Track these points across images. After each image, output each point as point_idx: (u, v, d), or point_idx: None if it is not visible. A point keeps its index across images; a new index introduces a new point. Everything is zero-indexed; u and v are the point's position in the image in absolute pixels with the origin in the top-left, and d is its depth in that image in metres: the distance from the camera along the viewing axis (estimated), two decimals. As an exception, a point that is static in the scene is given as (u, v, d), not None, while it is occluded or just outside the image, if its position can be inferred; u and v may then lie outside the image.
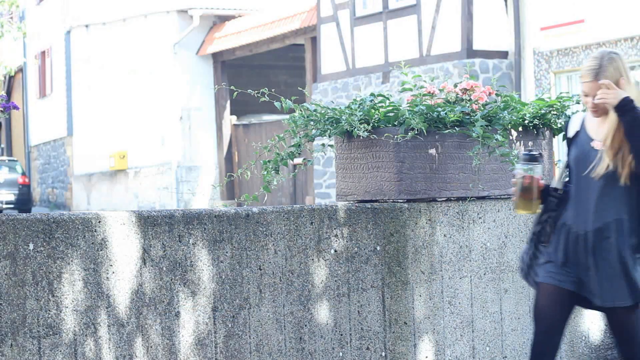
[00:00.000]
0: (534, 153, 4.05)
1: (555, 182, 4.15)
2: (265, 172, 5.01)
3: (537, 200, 4.06)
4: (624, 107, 3.87)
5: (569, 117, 4.27)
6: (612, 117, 3.92)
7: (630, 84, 3.98)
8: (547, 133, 5.25)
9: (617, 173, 3.94)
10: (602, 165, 3.95)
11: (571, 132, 4.17)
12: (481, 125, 4.83)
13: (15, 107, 4.04)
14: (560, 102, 5.20)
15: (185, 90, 22.64)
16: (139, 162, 23.77)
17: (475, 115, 4.94)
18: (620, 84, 3.93)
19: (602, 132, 4.01)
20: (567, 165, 4.14)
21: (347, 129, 4.83)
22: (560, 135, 5.36)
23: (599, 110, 3.98)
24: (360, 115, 4.82)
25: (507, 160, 4.86)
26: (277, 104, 5.03)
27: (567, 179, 4.15)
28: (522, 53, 15.71)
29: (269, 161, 5.03)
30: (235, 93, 5.31)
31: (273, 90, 5.06)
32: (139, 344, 3.99)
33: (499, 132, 4.90)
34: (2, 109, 4.00)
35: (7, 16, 24.31)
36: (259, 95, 5.08)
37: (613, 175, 3.96)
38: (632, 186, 3.97)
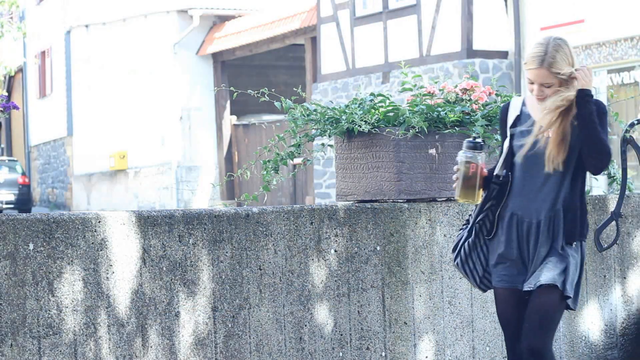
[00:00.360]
0: (478, 141, 3.92)
1: (497, 169, 3.99)
2: (265, 172, 5.02)
3: (480, 189, 3.93)
4: (585, 97, 3.81)
5: (507, 102, 4.11)
6: (549, 106, 3.84)
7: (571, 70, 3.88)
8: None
9: (561, 159, 3.85)
10: (548, 152, 3.84)
11: (511, 118, 4.02)
12: (482, 125, 4.83)
13: (15, 107, 4.04)
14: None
15: (185, 90, 22.64)
16: (139, 162, 23.77)
17: (475, 115, 4.95)
18: (562, 76, 3.84)
19: (542, 117, 3.92)
20: (506, 152, 3.99)
21: (347, 127, 4.83)
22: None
23: (546, 98, 3.87)
24: (361, 115, 4.82)
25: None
26: (277, 103, 5.03)
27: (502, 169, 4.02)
28: (522, 53, 15.71)
29: (268, 161, 5.03)
30: (235, 94, 5.31)
31: (273, 90, 5.06)
32: (139, 344, 3.99)
33: (499, 132, 4.90)
34: (2, 109, 4.01)
35: (7, 16, 24.31)
36: (258, 95, 5.08)
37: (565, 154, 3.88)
38: (575, 172, 3.89)
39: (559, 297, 3.86)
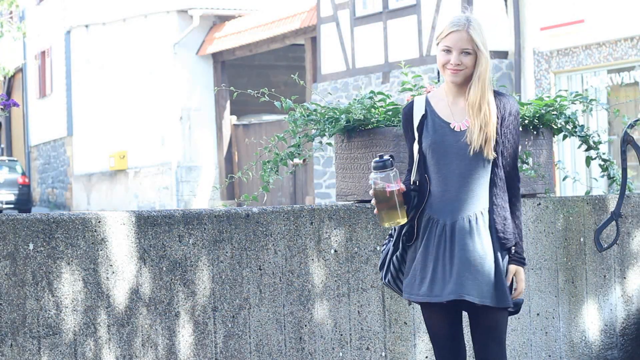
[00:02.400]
0: (386, 158, 3.65)
1: (412, 176, 3.77)
2: (264, 172, 5.02)
3: (402, 207, 3.66)
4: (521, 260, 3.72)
5: (409, 103, 3.85)
6: (473, 94, 3.64)
7: (487, 53, 3.68)
8: (547, 133, 5.25)
9: (483, 154, 3.65)
10: (471, 146, 3.63)
11: (417, 118, 3.77)
12: None
13: (16, 104, 4.04)
14: (557, 101, 5.20)
15: (185, 90, 22.64)
16: (139, 162, 23.77)
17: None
18: (481, 53, 3.63)
19: (458, 111, 3.70)
20: (418, 154, 3.76)
21: (346, 126, 4.83)
22: (561, 135, 5.37)
23: (460, 74, 3.65)
24: (362, 112, 4.82)
25: None
26: (277, 103, 5.03)
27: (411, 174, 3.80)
28: (522, 53, 15.71)
29: (268, 161, 5.04)
30: (235, 94, 5.32)
31: (273, 90, 5.06)
32: (139, 344, 3.99)
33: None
34: (2, 107, 4.00)
35: (7, 16, 24.31)
36: (258, 95, 5.08)
37: (477, 158, 3.66)
38: (498, 170, 3.69)
39: (504, 310, 3.70)
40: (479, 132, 3.64)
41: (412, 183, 3.75)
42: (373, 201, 3.67)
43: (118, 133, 24.33)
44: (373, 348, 4.63)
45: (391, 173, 3.64)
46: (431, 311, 3.75)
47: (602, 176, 5.46)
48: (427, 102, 3.79)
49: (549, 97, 5.32)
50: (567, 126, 5.22)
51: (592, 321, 5.36)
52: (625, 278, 5.48)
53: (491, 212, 3.69)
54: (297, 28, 19.97)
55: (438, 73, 3.81)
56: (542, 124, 5.19)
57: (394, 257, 3.81)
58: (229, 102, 22.57)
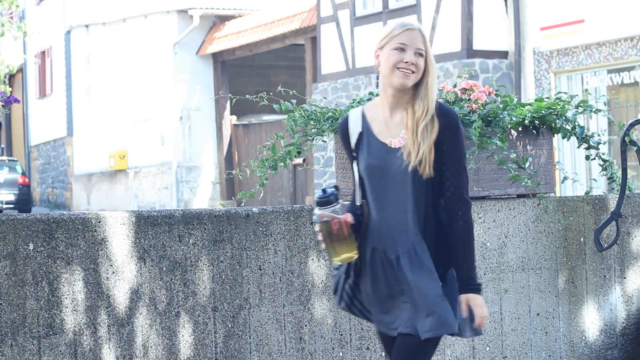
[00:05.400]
0: (330, 192, 3.37)
1: (357, 200, 3.49)
2: (260, 168, 5.01)
3: (352, 242, 3.38)
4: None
5: (344, 118, 3.55)
6: (421, 107, 3.36)
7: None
8: (547, 133, 5.25)
9: (420, 174, 3.35)
10: (409, 164, 3.35)
11: (354, 136, 3.47)
12: (478, 127, 4.81)
13: (17, 101, 4.04)
14: (559, 104, 5.19)
15: (185, 90, 22.64)
16: (139, 162, 23.77)
17: (474, 115, 4.94)
18: (431, 60, 3.39)
19: (394, 125, 3.41)
20: (358, 176, 3.49)
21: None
22: (560, 135, 5.37)
23: (412, 77, 3.36)
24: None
25: (504, 167, 4.86)
26: (276, 106, 5.03)
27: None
28: (522, 53, 15.71)
29: (266, 159, 5.04)
30: (234, 100, 5.34)
31: (272, 93, 5.07)
32: (139, 344, 3.99)
33: (498, 135, 4.89)
34: (3, 104, 4.00)
35: (7, 16, 24.31)
36: (257, 99, 5.10)
37: (416, 180, 3.36)
38: (439, 191, 3.38)
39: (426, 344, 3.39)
40: (417, 148, 3.34)
41: (358, 207, 3.46)
42: (320, 236, 3.37)
43: (118, 133, 24.33)
44: (373, 348, 4.63)
45: (337, 207, 3.36)
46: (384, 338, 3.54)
47: (602, 175, 5.45)
48: (363, 118, 3.48)
49: (548, 97, 5.31)
50: (567, 126, 5.22)
51: (592, 321, 5.36)
52: (625, 278, 5.48)
53: (431, 239, 3.40)
54: (297, 28, 19.97)
55: (377, 79, 3.45)
56: (542, 124, 5.19)
57: (347, 285, 3.53)
58: (229, 102, 22.56)
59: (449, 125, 3.38)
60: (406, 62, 3.35)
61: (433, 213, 3.39)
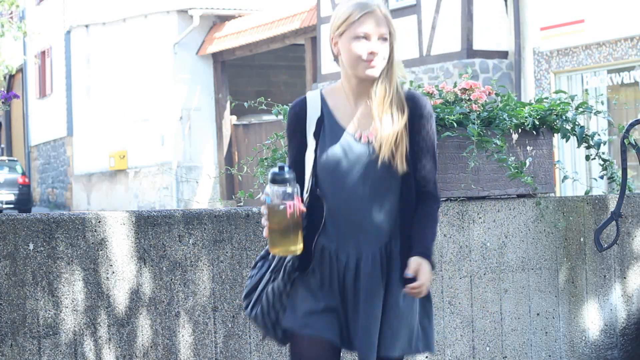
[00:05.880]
0: (288, 169, 2.93)
1: (305, 191, 3.06)
2: (260, 168, 5.01)
3: (299, 233, 2.92)
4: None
5: (300, 100, 3.15)
6: (381, 91, 3.02)
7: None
8: (547, 133, 5.25)
9: (392, 168, 3.00)
10: (379, 159, 2.99)
11: (312, 121, 3.07)
12: (477, 128, 4.81)
13: (16, 96, 4.04)
14: (560, 106, 5.19)
15: (185, 90, 22.64)
16: (139, 162, 23.78)
17: (474, 115, 4.93)
18: (395, 40, 3.04)
19: (362, 117, 3.05)
20: (312, 168, 3.07)
21: None
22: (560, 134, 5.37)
23: (379, 67, 3.01)
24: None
25: (504, 166, 4.86)
26: (274, 111, 5.04)
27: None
28: (522, 53, 15.71)
29: (266, 158, 5.04)
30: (233, 104, 5.35)
31: (272, 93, 5.08)
32: (139, 344, 3.99)
33: (497, 136, 4.89)
34: (3, 100, 4.01)
35: (7, 16, 24.31)
36: (255, 105, 5.11)
37: (386, 175, 3.01)
38: (411, 186, 3.04)
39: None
40: (386, 139, 2.99)
41: (305, 199, 3.04)
42: (264, 220, 2.92)
43: (118, 133, 24.33)
44: (373, 348, 4.63)
45: (294, 188, 2.91)
46: (314, 345, 3.04)
47: (602, 177, 5.45)
48: (323, 102, 3.10)
49: (547, 98, 5.31)
50: (567, 126, 5.22)
51: (592, 321, 5.36)
52: (625, 278, 5.48)
53: (402, 242, 3.05)
54: (297, 28, 19.97)
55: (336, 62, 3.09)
56: (542, 125, 5.18)
57: (270, 288, 3.09)
58: (229, 102, 22.56)
59: (421, 113, 3.05)
60: (371, 54, 2.98)
61: (402, 213, 3.04)
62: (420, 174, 3.07)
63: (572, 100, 5.26)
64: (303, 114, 3.10)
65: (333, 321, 3.03)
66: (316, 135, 3.07)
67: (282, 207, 2.90)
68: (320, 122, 3.07)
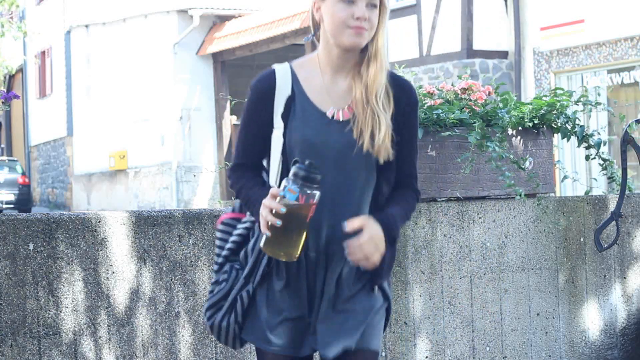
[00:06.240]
0: (316, 168, 2.59)
1: (272, 179, 2.76)
2: None
3: (305, 234, 2.64)
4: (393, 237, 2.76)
5: (267, 73, 2.79)
6: (374, 69, 2.71)
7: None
8: (547, 133, 5.25)
9: (372, 156, 2.71)
10: (359, 142, 2.69)
11: (281, 100, 2.73)
12: (479, 129, 4.81)
13: (16, 96, 4.04)
14: (559, 101, 5.19)
15: (185, 90, 22.64)
16: (139, 162, 23.78)
17: (474, 116, 4.93)
18: (385, 10, 2.72)
19: (337, 93, 2.75)
20: (281, 152, 2.74)
21: None
22: (560, 134, 5.37)
23: (365, 35, 2.68)
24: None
25: (501, 171, 4.86)
26: None
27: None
28: (522, 53, 15.71)
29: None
30: (234, 103, 5.36)
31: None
32: (139, 344, 3.99)
33: (497, 134, 4.89)
34: (3, 100, 4.01)
35: (7, 16, 24.31)
36: None
37: (362, 162, 2.72)
38: (389, 177, 2.78)
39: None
40: (371, 123, 2.69)
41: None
42: (271, 216, 2.57)
43: (118, 133, 24.34)
44: (373, 348, 4.63)
45: (317, 192, 2.59)
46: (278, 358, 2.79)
47: (602, 175, 5.45)
48: (294, 78, 2.77)
49: (546, 96, 5.31)
50: (567, 125, 5.22)
51: (592, 321, 5.36)
52: (625, 278, 5.48)
53: None
54: (297, 28, 19.96)
55: (313, 35, 2.80)
56: (542, 124, 5.19)
57: (244, 293, 2.78)
58: (229, 102, 22.53)
59: (408, 100, 2.78)
60: (358, 19, 2.66)
61: (375, 205, 2.78)
62: (403, 167, 2.80)
63: (571, 96, 5.26)
64: (271, 92, 2.75)
65: (296, 331, 2.75)
66: (285, 117, 2.73)
67: (304, 208, 2.58)
68: (290, 101, 2.73)
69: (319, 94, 2.75)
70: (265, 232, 2.61)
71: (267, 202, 2.60)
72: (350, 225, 2.64)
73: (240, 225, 2.88)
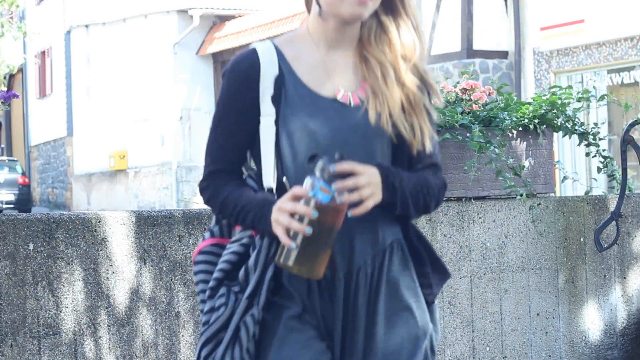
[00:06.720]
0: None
1: (266, 179, 2.25)
2: None
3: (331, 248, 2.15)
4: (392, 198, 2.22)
5: (247, 53, 2.26)
6: (407, 33, 2.26)
7: None
8: (547, 132, 5.25)
9: (398, 152, 2.27)
10: (382, 132, 2.22)
11: (268, 81, 2.21)
12: (478, 134, 4.80)
13: (15, 96, 4.04)
14: (560, 100, 5.19)
15: (185, 90, 22.65)
16: (139, 162, 23.78)
17: (475, 118, 4.93)
18: None
19: (338, 71, 2.26)
20: (273, 143, 2.23)
21: None
22: (560, 133, 5.36)
23: (370, 5, 2.21)
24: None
25: (501, 172, 4.86)
26: None
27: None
28: (522, 53, 15.72)
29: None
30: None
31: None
32: (139, 344, 3.99)
33: (497, 137, 4.89)
34: (2, 100, 4.01)
35: (7, 16, 24.31)
36: None
37: (383, 151, 2.25)
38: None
39: None
40: (393, 104, 2.21)
41: (269, 191, 2.25)
42: (298, 224, 2.08)
43: (118, 133, 24.34)
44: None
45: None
46: None
47: (603, 172, 5.44)
48: (280, 57, 2.25)
49: (546, 95, 5.30)
50: (567, 124, 5.22)
51: (592, 321, 5.36)
52: (625, 278, 5.48)
53: (407, 240, 2.33)
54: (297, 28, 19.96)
55: (306, 4, 2.32)
56: (542, 123, 5.18)
57: (248, 318, 2.20)
58: (229, 102, 22.55)
59: (430, 82, 2.32)
60: None
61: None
62: (428, 159, 2.35)
63: (571, 89, 5.25)
64: (255, 73, 2.22)
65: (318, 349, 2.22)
66: (275, 101, 2.21)
67: (339, 212, 2.12)
68: (278, 82, 2.23)
69: (314, 72, 2.25)
70: (290, 244, 2.09)
71: (288, 205, 2.10)
72: (340, 167, 2.11)
73: (231, 246, 2.29)
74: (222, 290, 2.25)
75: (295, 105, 2.22)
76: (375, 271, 2.25)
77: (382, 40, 2.24)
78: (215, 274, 2.27)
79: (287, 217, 2.10)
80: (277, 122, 2.22)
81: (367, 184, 2.13)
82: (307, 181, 2.11)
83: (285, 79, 2.23)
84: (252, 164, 2.34)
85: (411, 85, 2.22)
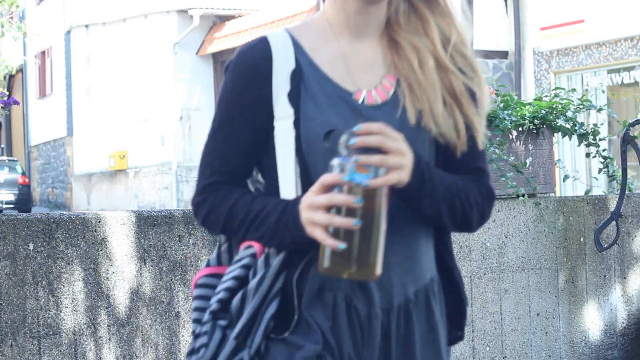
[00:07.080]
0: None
1: (283, 191, 1.85)
2: None
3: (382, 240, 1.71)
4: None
5: (257, 43, 1.84)
6: (424, 33, 1.94)
7: None
8: (547, 133, 5.25)
9: (445, 158, 1.87)
10: (423, 137, 1.85)
11: (283, 77, 1.80)
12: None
13: (16, 102, 4.04)
14: (561, 103, 5.19)
15: (185, 90, 22.65)
16: (139, 162, 23.78)
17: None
18: None
19: (364, 65, 1.86)
20: (296, 154, 1.83)
21: None
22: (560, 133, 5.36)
23: None
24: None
25: (502, 172, 4.86)
26: None
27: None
28: (522, 53, 15.72)
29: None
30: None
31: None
32: (139, 344, 3.99)
33: (497, 137, 4.89)
34: (2, 105, 4.01)
35: (7, 16, 24.31)
36: None
37: (426, 152, 1.86)
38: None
39: None
40: (435, 101, 1.84)
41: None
42: (341, 220, 1.67)
43: (118, 133, 24.34)
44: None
45: (380, 169, 1.72)
46: None
47: (603, 172, 5.44)
48: (297, 47, 1.85)
49: (547, 96, 5.30)
50: (567, 125, 5.22)
51: (592, 321, 5.36)
52: (625, 278, 5.48)
53: (443, 276, 1.93)
54: (297, 28, 19.96)
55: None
56: (542, 124, 5.18)
57: (246, 355, 1.77)
58: (229, 102, 22.55)
59: (475, 67, 2.02)
60: None
61: (446, 240, 1.94)
62: (472, 162, 1.92)
63: (573, 92, 5.25)
64: (266, 66, 1.82)
65: None
66: (294, 99, 1.81)
67: (383, 193, 1.69)
68: (296, 76, 1.82)
69: (335, 65, 1.85)
70: (338, 245, 1.66)
71: (321, 199, 1.69)
72: (363, 139, 1.68)
73: (231, 269, 1.86)
74: (207, 326, 1.81)
75: (321, 104, 1.81)
76: (421, 312, 1.86)
77: (415, 20, 1.90)
78: (212, 306, 1.83)
79: (324, 213, 1.68)
80: (296, 123, 1.80)
81: (399, 151, 1.71)
82: (335, 163, 1.69)
83: (305, 73, 1.82)
84: (259, 177, 1.94)
85: (455, 74, 1.92)
